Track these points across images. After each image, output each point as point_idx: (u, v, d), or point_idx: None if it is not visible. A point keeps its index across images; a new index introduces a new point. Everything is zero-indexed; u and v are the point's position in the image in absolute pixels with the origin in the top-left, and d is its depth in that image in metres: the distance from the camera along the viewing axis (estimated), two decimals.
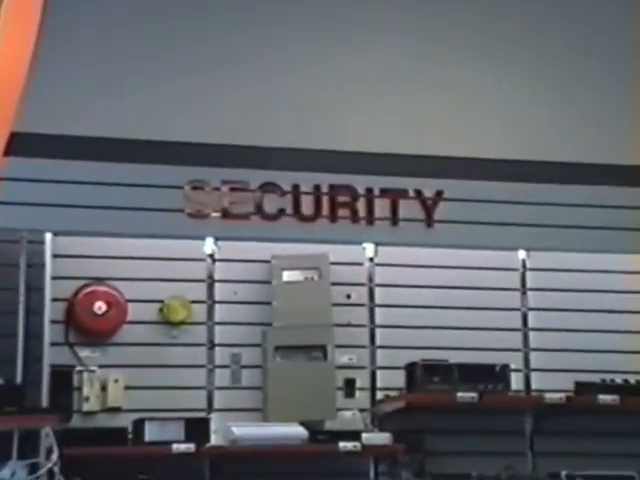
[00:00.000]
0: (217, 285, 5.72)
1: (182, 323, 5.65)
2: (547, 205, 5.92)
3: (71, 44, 5.53)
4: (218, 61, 5.73)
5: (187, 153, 5.60)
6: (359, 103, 5.83)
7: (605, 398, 5.57)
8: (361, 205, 5.83)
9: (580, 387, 5.68)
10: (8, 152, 3.72)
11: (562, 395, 5.59)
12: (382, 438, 5.45)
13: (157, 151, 5.57)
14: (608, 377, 5.73)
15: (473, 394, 5.46)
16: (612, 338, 5.92)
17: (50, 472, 4.99)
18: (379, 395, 5.75)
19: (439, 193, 5.90)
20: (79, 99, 5.54)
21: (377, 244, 5.87)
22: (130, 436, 5.26)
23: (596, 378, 5.73)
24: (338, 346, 5.66)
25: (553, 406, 5.59)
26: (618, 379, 5.73)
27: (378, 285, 5.87)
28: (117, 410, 5.47)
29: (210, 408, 5.59)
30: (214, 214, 5.68)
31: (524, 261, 6.03)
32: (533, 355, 5.94)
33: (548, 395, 5.63)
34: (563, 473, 5.53)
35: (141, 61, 5.67)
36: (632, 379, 5.73)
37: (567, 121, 6.08)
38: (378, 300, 5.85)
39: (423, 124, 5.89)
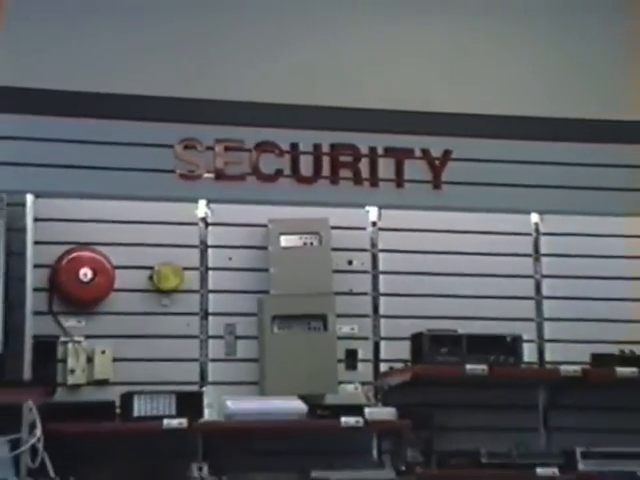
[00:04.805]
0: (210, 251, 5.65)
1: (173, 291, 5.58)
2: (563, 165, 5.82)
3: None
4: (211, 12, 5.68)
5: (178, 110, 5.52)
6: (361, 58, 5.79)
7: (624, 371, 5.51)
8: (364, 166, 5.74)
9: (597, 359, 5.63)
10: None
11: (578, 368, 5.55)
12: (386, 413, 5.41)
13: (146, 107, 5.47)
14: (627, 348, 5.63)
15: (483, 366, 5.41)
16: (631, 307, 5.86)
17: (33, 448, 4.95)
18: (383, 367, 5.70)
19: (447, 153, 5.78)
20: (61, 52, 5.48)
21: (381, 207, 5.80)
22: (118, 411, 5.19)
23: (614, 349, 5.65)
24: (339, 315, 5.62)
25: (568, 379, 5.55)
26: (638, 350, 5.61)
27: (382, 251, 5.80)
28: (104, 383, 5.43)
29: (203, 381, 5.54)
30: (207, 175, 5.58)
31: (537, 225, 5.96)
32: (547, 325, 5.87)
33: (563, 368, 5.58)
34: (578, 450, 5.44)
35: (126, 13, 5.60)
36: None
37: (584, 76, 6.00)
38: (382, 267, 5.78)
39: (431, 79, 5.84)
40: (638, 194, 5.84)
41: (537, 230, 5.95)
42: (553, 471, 5.39)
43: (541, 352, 5.87)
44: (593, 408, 5.70)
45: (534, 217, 5.94)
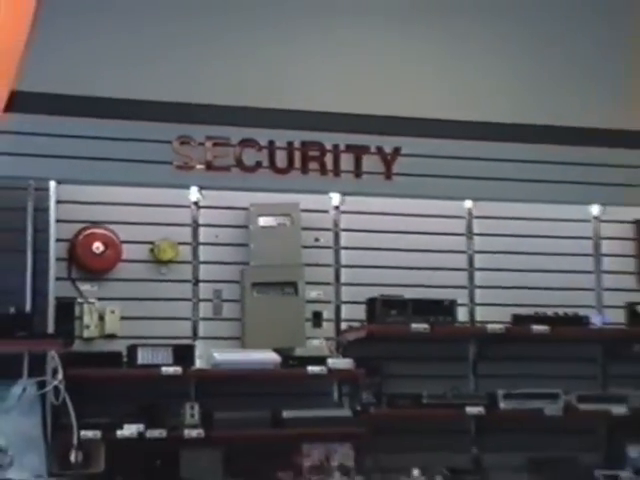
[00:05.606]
0: (201, 229, 6.07)
1: (170, 262, 6.00)
2: (492, 161, 6.27)
3: (72, 9, 5.76)
4: (203, 27, 6.01)
5: (175, 112, 5.89)
6: (328, 68, 6.18)
7: (538, 328, 6.05)
8: (329, 159, 6.14)
9: (517, 319, 6.17)
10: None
11: (502, 326, 6.08)
12: (345, 363, 5.86)
13: (149, 110, 5.84)
14: (541, 310, 6.17)
15: (425, 325, 5.88)
16: (545, 277, 6.40)
17: (56, 389, 5.41)
18: (343, 326, 6.16)
19: (397, 149, 6.24)
20: (81, 63, 5.84)
21: (342, 194, 6.23)
22: (124, 360, 5.63)
23: (531, 311, 6.19)
24: (308, 283, 6.06)
25: (494, 335, 6.06)
26: (549, 312, 6.17)
27: (343, 230, 6.26)
28: (113, 337, 5.80)
29: (195, 336, 5.93)
30: (199, 166, 5.96)
31: (470, 210, 6.41)
32: (477, 291, 6.37)
33: (490, 326, 6.09)
34: (500, 392, 6.01)
35: (137, 26, 5.92)
36: (561, 312, 6.22)
37: (512, 84, 6.44)
38: (343, 243, 6.24)
39: (385, 87, 6.19)
40: (552, 185, 6.40)
41: (470, 214, 6.41)
42: (479, 410, 5.98)
43: (472, 313, 6.34)
44: (513, 359, 6.21)
45: (468, 203, 6.40)
